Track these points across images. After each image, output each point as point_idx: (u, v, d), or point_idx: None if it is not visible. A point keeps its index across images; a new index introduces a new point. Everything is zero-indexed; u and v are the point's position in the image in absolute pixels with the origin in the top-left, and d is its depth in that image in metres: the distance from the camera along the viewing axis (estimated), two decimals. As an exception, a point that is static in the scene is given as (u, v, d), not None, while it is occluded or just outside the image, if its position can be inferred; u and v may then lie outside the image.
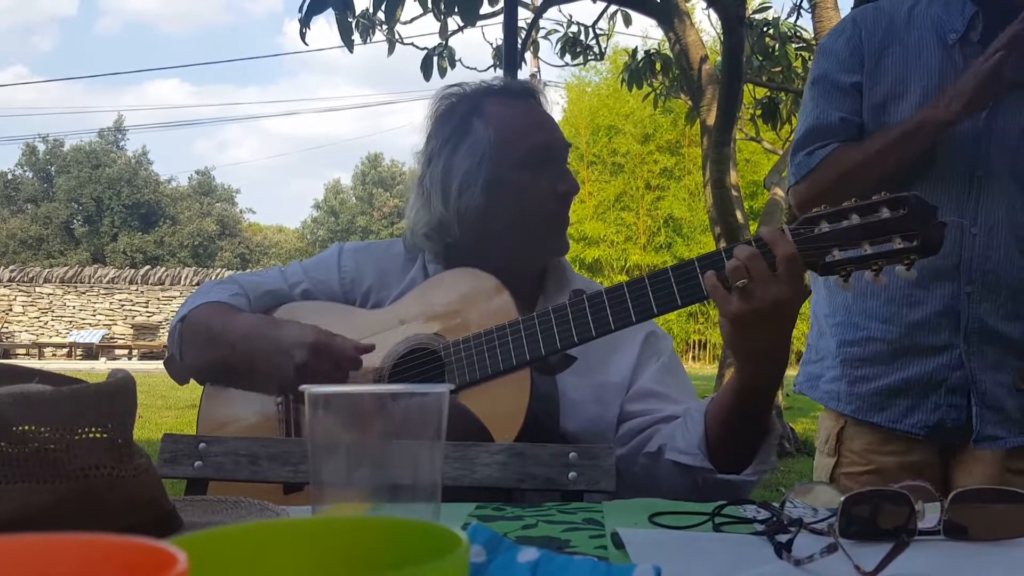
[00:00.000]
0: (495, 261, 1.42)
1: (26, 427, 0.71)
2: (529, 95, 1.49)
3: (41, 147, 37.06)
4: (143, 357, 19.80)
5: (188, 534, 0.39)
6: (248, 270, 24.28)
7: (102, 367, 16.59)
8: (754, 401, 1.20)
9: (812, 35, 7.03)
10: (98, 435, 0.74)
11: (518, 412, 1.26)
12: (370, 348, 1.35)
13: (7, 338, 20.82)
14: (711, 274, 1.16)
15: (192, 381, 1.56)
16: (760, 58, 7.29)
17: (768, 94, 7.64)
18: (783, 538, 0.76)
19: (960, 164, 1.60)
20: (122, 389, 0.78)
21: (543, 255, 1.48)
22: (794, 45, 7.44)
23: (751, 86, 7.75)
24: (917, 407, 1.64)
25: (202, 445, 1.26)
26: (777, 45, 7.18)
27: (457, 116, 1.45)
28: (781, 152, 8.47)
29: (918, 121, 1.57)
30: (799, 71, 7.71)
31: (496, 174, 1.41)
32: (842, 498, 0.81)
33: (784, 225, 1.18)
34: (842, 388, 1.72)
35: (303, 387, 0.72)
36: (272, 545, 0.42)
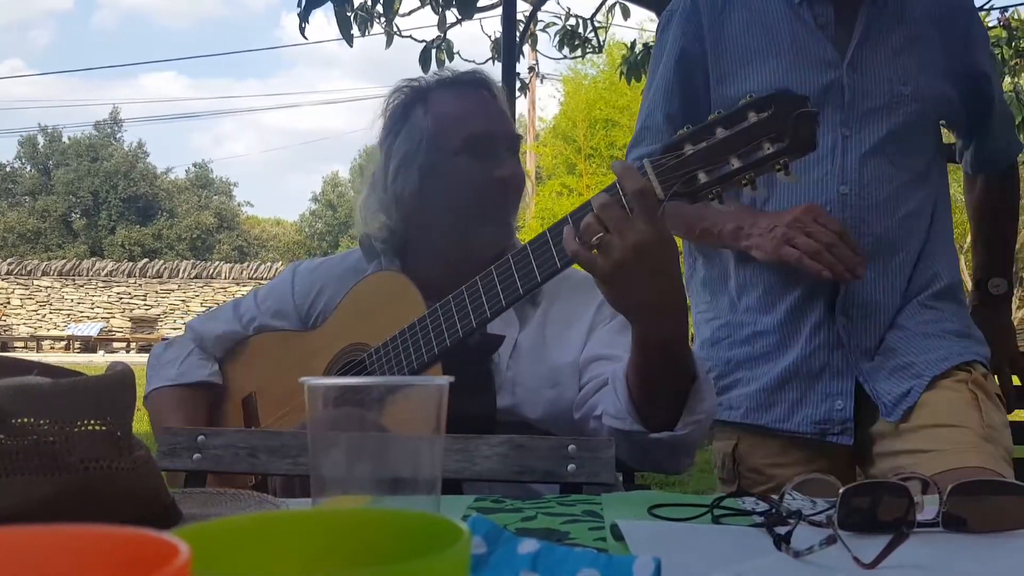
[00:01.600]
0: (444, 252, 1.43)
1: (25, 420, 0.71)
2: (480, 86, 1.47)
3: (41, 139, 36.95)
4: (141, 350, 19.78)
5: (189, 526, 0.39)
6: (246, 264, 24.27)
7: (100, 360, 16.59)
8: (662, 356, 1.14)
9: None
10: (97, 428, 0.74)
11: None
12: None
13: (5, 331, 20.80)
14: (569, 236, 1.08)
15: None
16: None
17: (767, 87, 7.63)
18: (782, 530, 0.76)
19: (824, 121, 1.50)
20: (121, 382, 0.78)
21: (484, 241, 1.43)
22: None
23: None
24: (803, 400, 1.53)
25: (201, 438, 1.26)
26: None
27: (404, 104, 1.47)
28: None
29: (724, 232, 1.50)
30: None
31: (432, 158, 1.41)
32: (841, 490, 0.81)
33: (644, 159, 1.09)
34: (733, 394, 1.59)
35: (302, 379, 0.72)
36: (274, 537, 0.42)
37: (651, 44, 7.62)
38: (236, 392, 1.56)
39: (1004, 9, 6.91)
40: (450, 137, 1.40)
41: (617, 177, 1.06)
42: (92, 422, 0.74)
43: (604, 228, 1.05)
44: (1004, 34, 6.71)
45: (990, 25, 7.06)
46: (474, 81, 1.48)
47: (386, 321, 1.36)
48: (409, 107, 1.45)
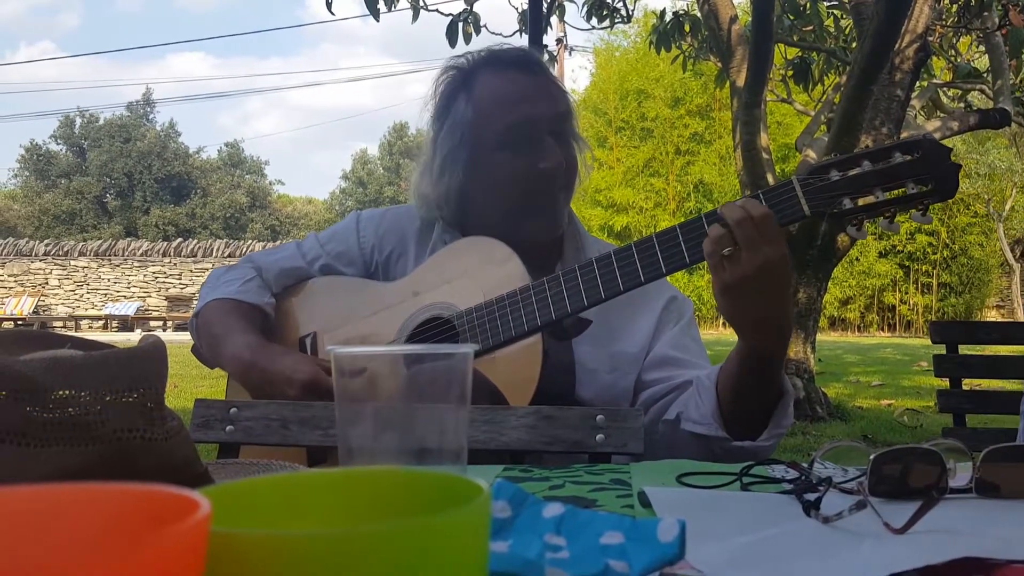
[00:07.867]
0: (498, 234, 1.42)
1: (63, 392, 0.72)
2: (527, 64, 1.43)
3: (78, 120, 37.34)
4: (177, 328, 20.07)
5: (213, 486, 0.39)
6: (278, 242, 24.47)
7: (138, 338, 16.78)
8: (761, 368, 1.17)
9: (844, -7, 6.88)
10: (130, 398, 0.75)
11: (531, 378, 1.26)
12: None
13: (44, 311, 21.19)
14: (709, 240, 1.13)
15: None
16: (791, 17, 7.14)
17: (799, 54, 7.50)
18: (811, 496, 0.76)
19: None
20: (153, 353, 0.79)
21: (533, 231, 1.42)
22: (826, 3, 7.28)
23: (782, 46, 7.60)
24: None
25: (233, 410, 1.28)
26: (808, 3, 7.03)
27: (449, 90, 1.45)
28: (813, 113, 8.32)
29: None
30: (831, 30, 7.56)
31: (475, 154, 1.40)
32: (872, 456, 0.80)
33: (794, 176, 1.16)
34: None
35: (330, 347, 0.72)
36: (295, 497, 0.42)
37: (681, 13, 7.51)
38: (291, 329, 1.52)
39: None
40: (491, 129, 1.39)
41: (745, 207, 1.11)
42: (125, 393, 0.75)
43: (734, 242, 1.09)
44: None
45: None
46: (520, 60, 1.44)
47: (480, 285, 1.36)
48: (452, 96, 1.43)
